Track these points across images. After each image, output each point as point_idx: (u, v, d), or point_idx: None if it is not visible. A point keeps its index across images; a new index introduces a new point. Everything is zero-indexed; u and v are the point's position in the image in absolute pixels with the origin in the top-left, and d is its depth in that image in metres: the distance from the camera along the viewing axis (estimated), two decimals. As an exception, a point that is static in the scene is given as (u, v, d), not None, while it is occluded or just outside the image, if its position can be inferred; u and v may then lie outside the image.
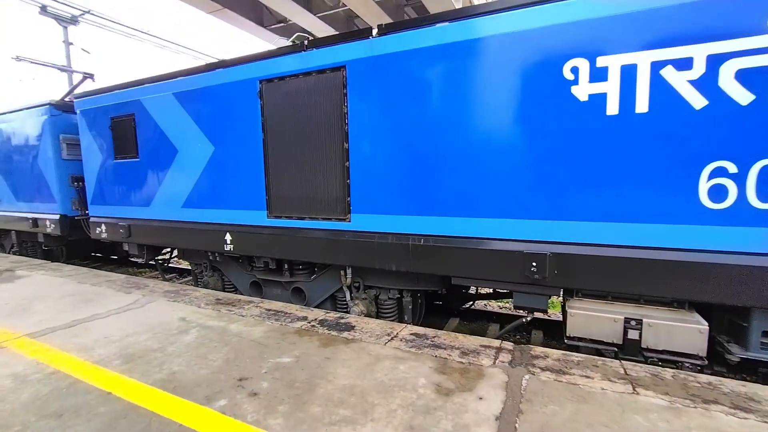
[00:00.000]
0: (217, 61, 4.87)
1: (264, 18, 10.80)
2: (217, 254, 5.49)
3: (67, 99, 7.85)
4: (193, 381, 2.59)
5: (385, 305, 4.35)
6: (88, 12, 14.90)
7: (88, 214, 6.79)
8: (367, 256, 3.94)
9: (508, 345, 3.06)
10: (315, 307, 4.58)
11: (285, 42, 4.80)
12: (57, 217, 7.27)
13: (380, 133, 3.71)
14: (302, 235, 4.32)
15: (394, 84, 3.57)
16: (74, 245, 8.43)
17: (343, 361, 2.83)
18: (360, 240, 3.94)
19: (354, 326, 3.58)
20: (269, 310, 4.10)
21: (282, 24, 11.37)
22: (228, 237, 4.93)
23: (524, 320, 3.60)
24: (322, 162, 4.11)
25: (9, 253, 8.87)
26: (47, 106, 7.39)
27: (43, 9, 14.76)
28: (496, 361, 2.77)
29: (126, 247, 6.62)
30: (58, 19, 15.38)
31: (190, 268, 6.73)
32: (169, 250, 7.19)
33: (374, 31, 3.64)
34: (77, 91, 7.70)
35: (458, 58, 3.28)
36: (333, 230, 4.11)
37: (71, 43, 16.10)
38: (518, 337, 4.97)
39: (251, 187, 4.64)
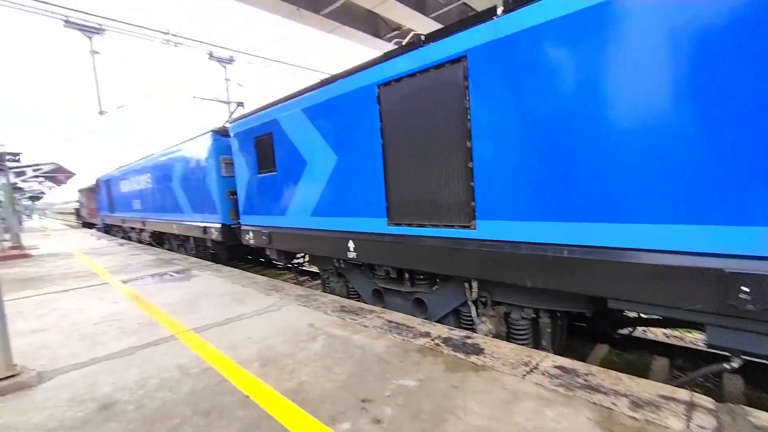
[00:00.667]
0: (338, 72, 5.03)
1: (380, 29, 11.17)
2: (341, 261, 5.68)
3: (225, 125, 9.35)
4: (319, 395, 2.55)
5: (518, 326, 3.79)
6: (239, 52, 17.78)
7: (240, 223, 7.89)
8: (495, 269, 3.47)
9: (705, 400, 2.23)
10: (438, 322, 4.28)
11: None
12: (219, 225, 8.67)
13: (510, 127, 3.21)
14: (422, 243, 4.08)
15: (528, 67, 3.03)
16: (233, 249, 9.97)
17: (474, 394, 2.45)
18: (486, 250, 3.49)
19: (483, 349, 3.15)
20: (391, 321, 3.97)
21: (397, 31, 11.58)
22: (351, 244, 5.02)
23: (727, 366, 2.62)
24: (443, 164, 3.80)
25: (188, 254, 10.99)
26: (211, 133, 8.89)
27: (211, 55, 18.26)
28: (690, 424, 2.01)
29: (268, 252, 7.47)
30: (221, 61, 18.84)
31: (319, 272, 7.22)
32: (302, 255, 7.87)
33: (499, 10, 3.18)
34: (232, 117, 9.10)
35: (627, 20, 2.57)
36: (455, 238, 3.76)
37: (229, 79, 19.53)
38: (703, 381, 3.78)
39: (372, 195, 4.62)
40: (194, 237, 10.50)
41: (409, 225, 4.20)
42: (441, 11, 10.63)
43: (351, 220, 4.98)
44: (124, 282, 6.75)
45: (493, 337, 3.79)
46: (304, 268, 9.24)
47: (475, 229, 3.58)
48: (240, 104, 11.55)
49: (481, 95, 3.39)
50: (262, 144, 6.63)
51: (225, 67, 18.96)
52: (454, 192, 3.74)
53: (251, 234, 7.37)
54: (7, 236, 12.96)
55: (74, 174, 36.65)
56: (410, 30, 11.66)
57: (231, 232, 8.57)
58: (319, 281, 8.64)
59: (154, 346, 3.59)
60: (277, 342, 3.54)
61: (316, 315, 4.29)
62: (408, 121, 4.08)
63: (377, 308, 4.53)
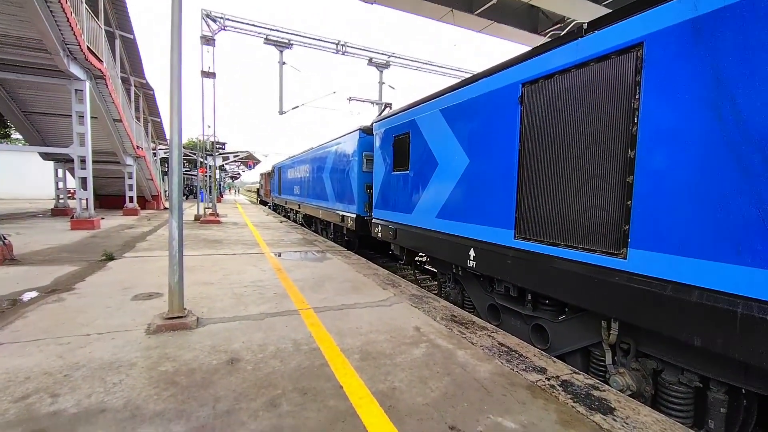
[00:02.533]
0: (480, 71, 4.76)
1: (539, 23, 10.20)
2: (460, 268, 5.43)
3: (371, 124, 10.04)
4: (408, 407, 2.43)
5: (673, 392, 2.90)
6: (393, 55, 18.83)
7: (372, 216, 8.37)
8: (646, 313, 2.72)
9: None
10: (559, 357, 3.65)
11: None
12: (354, 216, 9.40)
13: (704, 136, 2.43)
14: (553, 264, 3.51)
15: (748, 48, 2.23)
16: (364, 239, 10.71)
17: (590, 465, 1.95)
18: (639, 287, 2.76)
19: (614, 409, 2.52)
20: (502, 345, 3.56)
21: (559, 25, 10.39)
22: (471, 252, 4.72)
23: None
24: (590, 176, 3.17)
25: (327, 238, 12.28)
26: (358, 131, 9.66)
27: (370, 60, 19.95)
28: None
29: (392, 247, 7.71)
30: (378, 65, 20.40)
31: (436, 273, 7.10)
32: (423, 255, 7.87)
33: (701, -19, 2.42)
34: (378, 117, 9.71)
35: None
36: (597, 266, 3.10)
37: (383, 83, 20.99)
38: None
39: (500, 203, 4.23)
40: (334, 223, 11.65)
41: (540, 242, 3.67)
42: (619, -4, 9.04)
43: (475, 228, 4.68)
44: (275, 254, 7.95)
45: (630, 395, 3.01)
46: (426, 266, 9.26)
47: (625, 259, 2.88)
48: (388, 105, 12.23)
49: (660, 92, 2.67)
50: (400, 143, 6.83)
51: (381, 71, 20.46)
52: (602, 211, 3.08)
53: (380, 228, 7.72)
54: (210, 205, 16.89)
55: (260, 161, 45.52)
56: (573, 21, 10.31)
57: (364, 223, 9.18)
58: (436, 282, 8.53)
59: (280, 316, 4.06)
60: (381, 339, 3.57)
61: (425, 319, 4.18)
62: (552, 123, 3.55)
63: (490, 325, 4.15)
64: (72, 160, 11.73)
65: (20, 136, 17.42)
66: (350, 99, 17.11)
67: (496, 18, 9.34)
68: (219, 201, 30.20)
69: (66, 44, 10.00)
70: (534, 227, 3.76)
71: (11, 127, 22.00)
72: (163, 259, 6.93)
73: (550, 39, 3.81)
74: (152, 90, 20.38)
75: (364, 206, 9.27)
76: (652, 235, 2.70)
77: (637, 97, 2.80)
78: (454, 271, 5.58)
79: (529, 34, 10.36)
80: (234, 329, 3.64)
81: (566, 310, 3.87)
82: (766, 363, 2.11)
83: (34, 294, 4.63)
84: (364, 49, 18.91)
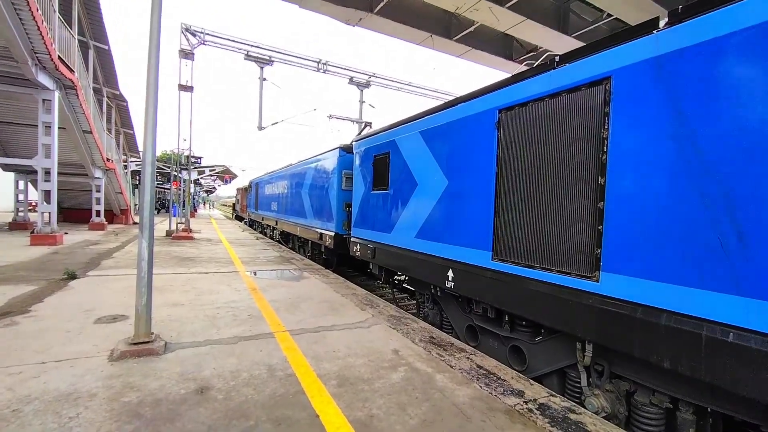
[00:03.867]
0: (460, 95, 4.90)
1: (513, 51, 10.69)
2: (438, 289, 5.44)
3: (351, 143, 10.10)
4: (386, 436, 2.37)
5: (644, 413, 2.96)
6: (374, 75, 19.18)
7: (350, 234, 8.32)
8: (618, 335, 2.79)
9: None
10: (535, 379, 3.68)
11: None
12: (333, 233, 9.32)
13: (669, 164, 2.57)
14: (528, 286, 3.57)
15: (706, 88, 2.38)
16: (343, 257, 10.60)
17: (568, 494, 1.94)
18: (611, 310, 2.84)
19: (589, 431, 2.54)
20: (480, 367, 3.56)
21: (532, 53, 10.91)
22: (450, 273, 4.75)
23: None
24: (565, 201, 3.28)
25: (305, 256, 12.08)
26: (338, 149, 9.69)
27: (351, 80, 20.23)
28: None
29: (371, 266, 7.66)
30: (358, 84, 20.71)
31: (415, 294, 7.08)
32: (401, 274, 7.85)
33: (662, 22, 2.61)
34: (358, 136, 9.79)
35: None
36: (570, 289, 3.17)
37: (363, 101, 21.28)
38: None
39: (478, 225, 4.30)
40: (312, 241, 11.50)
41: (516, 263, 3.74)
42: (586, 29, 9.63)
43: (453, 248, 4.72)
44: (250, 273, 7.73)
45: (605, 417, 3.05)
46: (404, 286, 9.23)
47: (598, 282, 2.96)
48: (368, 124, 12.36)
49: (626, 123, 2.82)
50: (379, 162, 6.88)
51: (362, 90, 20.77)
52: (575, 234, 3.18)
53: (358, 246, 7.67)
54: (183, 221, 16.37)
55: (237, 176, 44.75)
56: (546, 51, 10.87)
57: (342, 241, 9.11)
58: (415, 301, 8.51)
59: (255, 340, 3.92)
60: (359, 363, 3.49)
61: (404, 342, 4.13)
62: (528, 149, 3.67)
63: (468, 347, 4.14)
64: (35, 172, 11.16)
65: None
66: (330, 117, 17.22)
67: (473, 44, 9.73)
68: (192, 216, 29.30)
69: (35, 53, 9.65)
70: (510, 249, 3.83)
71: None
72: (131, 278, 6.61)
73: (525, 68, 3.99)
74: (125, 101, 19.83)
75: (342, 224, 9.21)
76: (623, 259, 2.80)
77: (606, 127, 2.95)
78: (433, 291, 5.59)
79: (505, 61, 10.82)
80: (205, 354, 3.48)
81: (542, 331, 3.92)
82: (729, 384, 2.19)
83: (-16, 317, 4.29)
84: (344, 69, 19.19)
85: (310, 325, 4.49)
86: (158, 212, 42.61)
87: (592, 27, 9.01)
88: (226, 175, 41.01)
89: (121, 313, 4.56)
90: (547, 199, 3.44)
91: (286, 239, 15.66)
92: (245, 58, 16.56)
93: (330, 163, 10.06)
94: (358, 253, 7.74)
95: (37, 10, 8.66)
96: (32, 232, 10.81)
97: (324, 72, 18.60)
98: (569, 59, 3.31)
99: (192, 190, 25.02)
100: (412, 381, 3.18)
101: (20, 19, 8.61)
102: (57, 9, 10.36)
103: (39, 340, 3.68)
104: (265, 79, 17.06)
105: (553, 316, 3.34)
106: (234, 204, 43.18)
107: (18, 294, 5.33)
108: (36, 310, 4.63)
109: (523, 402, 2.92)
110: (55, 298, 5.23)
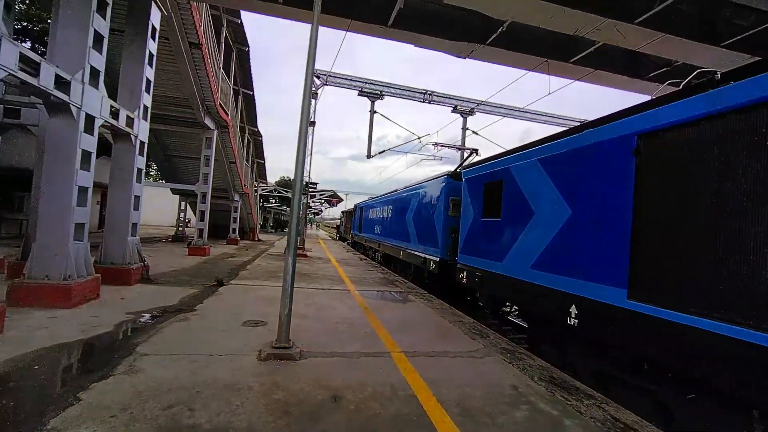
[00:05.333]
0: (587, 121, 4.65)
1: (640, 68, 9.62)
2: (558, 324, 5.04)
3: (458, 170, 10.20)
4: (518, 477, 2.27)
5: None
6: (480, 104, 19.17)
7: (456, 261, 8.28)
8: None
9: None
10: (693, 448, 3.11)
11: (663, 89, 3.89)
12: (437, 259, 9.39)
13: None
14: (692, 337, 3.07)
15: None
16: (446, 284, 10.54)
17: None
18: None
19: None
20: (617, 419, 3.16)
21: (665, 68, 9.67)
22: (573, 309, 4.39)
23: None
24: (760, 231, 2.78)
25: (407, 279, 12.32)
26: (446, 176, 9.87)
27: (454, 108, 20.62)
28: None
29: (477, 294, 7.47)
30: (462, 113, 20.95)
31: (526, 327, 6.64)
32: (510, 304, 7.47)
33: None
34: (466, 163, 9.87)
35: None
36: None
37: (467, 129, 21.38)
38: None
39: (610, 259, 3.93)
40: (415, 265, 11.72)
41: (669, 308, 3.27)
42: (745, 34, 8.22)
43: (578, 283, 4.37)
44: (359, 292, 8.21)
45: None
46: (510, 318, 8.72)
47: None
48: (474, 151, 12.34)
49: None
50: (491, 190, 6.81)
51: (465, 118, 20.92)
52: None
53: (465, 273, 7.58)
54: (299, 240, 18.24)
55: (342, 200, 48.47)
56: (684, 65, 9.54)
57: (447, 267, 9.10)
58: (524, 335, 7.97)
59: (374, 357, 4.14)
60: (477, 394, 3.42)
61: (521, 378, 3.92)
62: (683, 177, 3.28)
63: (597, 394, 3.72)
64: (193, 194, 13.78)
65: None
66: (435, 145, 17.63)
67: (593, 65, 9.10)
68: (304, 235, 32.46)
69: (204, 102, 12.13)
70: (661, 288, 3.39)
71: (150, 165, 26.84)
72: (262, 289, 7.61)
73: (655, 85, 3.62)
74: (261, 136, 23.37)
75: (447, 250, 9.23)
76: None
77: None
78: (551, 327, 5.19)
79: (631, 79, 9.80)
80: (333, 365, 3.81)
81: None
82: None
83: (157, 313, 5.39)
84: (449, 98, 19.66)
85: (423, 348, 4.56)
86: (275, 231, 48.15)
87: (750, 32, 7.65)
88: (333, 199, 44.71)
89: (261, 319, 5.26)
90: (724, 229, 2.97)
91: (388, 261, 16.22)
92: (359, 94, 18.18)
93: (436, 189, 10.28)
94: (464, 280, 7.63)
95: (210, 69, 10.95)
96: (188, 245, 13.25)
97: (429, 102, 19.34)
98: (741, 74, 2.91)
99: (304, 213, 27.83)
100: (537, 422, 2.99)
101: (198, 77, 10.98)
102: (221, 66, 12.94)
103: (205, 334, 4.48)
104: (375, 112, 18.44)
105: (733, 383, 2.80)
106: (338, 225, 46.44)
107: (186, 295, 6.58)
108: (199, 310, 5.65)
109: (681, 471, 2.50)
110: (210, 300, 6.31)
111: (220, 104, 12.65)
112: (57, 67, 5.08)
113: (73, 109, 5.49)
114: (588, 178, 4.40)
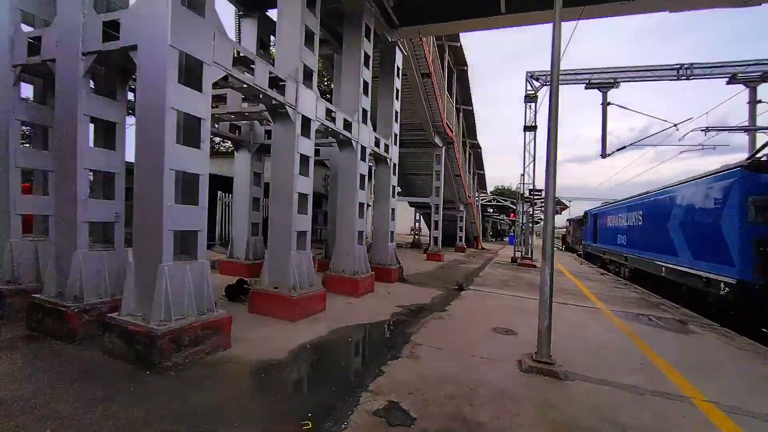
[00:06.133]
0: None
1: None
2: None
3: (760, 159, 7.33)
4: None
5: None
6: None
7: (770, 285, 5.90)
8: None
9: None
10: None
11: None
12: (732, 281, 6.95)
13: None
14: None
15: None
16: (755, 315, 7.68)
17: None
18: None
19: None
20: None
21: None
22: None
23: None
24: None
25: (677, 305, 9.69)
26: (737, 169, 7.29)
27: (732, 78, 15.08)
28: None
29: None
30: (745, 82, 15.11)
31: None
32: None
33: None
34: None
35: None
36: None
37: (759, 101, 15.22)
38: None
39: None
40: (687, 285, 9.11)
41: None
42: None
43: None
44: (613, 312, 7.01)
45: None
46: None
47: None
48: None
49: None
50: None
51: (752, 87, 15.01)
52: None
53: (794, 305, 5.26)
54: (522, 249, 17.54)
55: (567, 207, 43.57)
56: None
57: (751, 293, 6.61)
58: None
59: (665, 399, 3.35)
60: None
61: None
62: None
63: None
64: (425, 206, 15.42)
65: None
66: (707, 129, 13.38)
67: None
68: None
69: (434, 123, 13.49)
70: None
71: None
72: (499, 297, 7.63)
73: None
74: (480, 149, 24.03)
75: (751, 270, 6.70)
76: None
77: None
78: None
79: None
80: (610, 396, 3.32)
81: None
82: None
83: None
84: (723, 66, 14.65)
85: (747, 407, 3.32)
86: (495, 240, 48.15)
87: None
88: (558, 206, 40.81)
89: (510, 328, 5.23)
90: None
91: (637, 277, 13.30)
92: (586, 87, 15.98)
93: (719, 187, 7.73)
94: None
95: (438, 93, 12.13)
96: (425, 251, 14.89)
97: (687, 78, 15.00)
98: None
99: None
100: None
101: (428, 102, 12.34)
102: (446, 89, 14.12)
103: (461, 334, 4.84)
104: (610, 103, 15.77)
105: None
106: (564, 235, 41.92)
107: (435, 295, 7.39)
108: (449, 310, 6.17)
109: None
110: (456, 303, 6.80)
111: (446, 123, 13.77)
112: (343, 113, 6.80)
113: (354, 144, 7.19)
114: None
